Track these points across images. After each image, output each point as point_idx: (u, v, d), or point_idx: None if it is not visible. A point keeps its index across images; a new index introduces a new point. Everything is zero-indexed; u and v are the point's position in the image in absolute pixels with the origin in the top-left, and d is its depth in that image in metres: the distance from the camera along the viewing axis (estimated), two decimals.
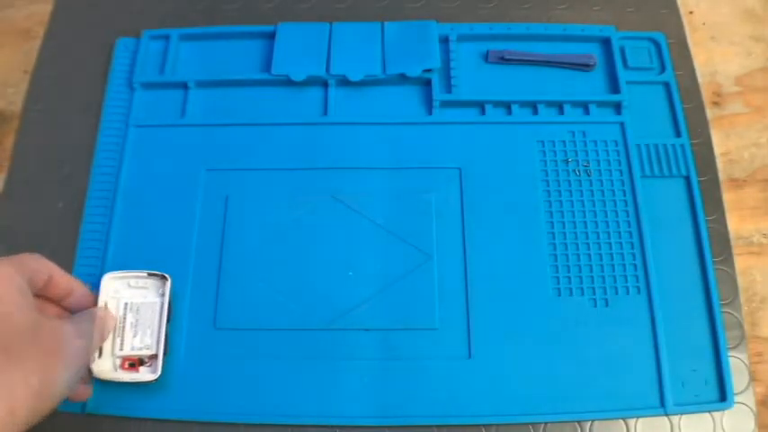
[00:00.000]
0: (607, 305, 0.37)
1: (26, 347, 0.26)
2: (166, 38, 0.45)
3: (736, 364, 0.36)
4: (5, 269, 0.28)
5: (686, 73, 0.44)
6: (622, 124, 0.42)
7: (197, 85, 0.43)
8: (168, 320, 0.35)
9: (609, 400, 0.35)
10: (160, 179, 0.40)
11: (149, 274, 0.36)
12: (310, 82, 0.43)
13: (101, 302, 0.34)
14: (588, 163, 0.41)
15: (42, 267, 0.31)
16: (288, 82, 0.43)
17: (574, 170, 0.41)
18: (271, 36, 0.44)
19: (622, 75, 0.43)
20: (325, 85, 0.43)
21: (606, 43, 0.45)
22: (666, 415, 0.35)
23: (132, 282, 0.36)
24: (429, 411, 0.35)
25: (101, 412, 0.35)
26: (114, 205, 0.40)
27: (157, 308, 0.35)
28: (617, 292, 0.38)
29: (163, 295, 0.36)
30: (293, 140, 0.41)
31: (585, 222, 0.39)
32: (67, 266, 0.38)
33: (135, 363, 0.34)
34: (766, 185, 0.42)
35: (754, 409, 0.35)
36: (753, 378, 0.36)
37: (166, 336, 0.35)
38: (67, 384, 0.28)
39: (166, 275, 0.36)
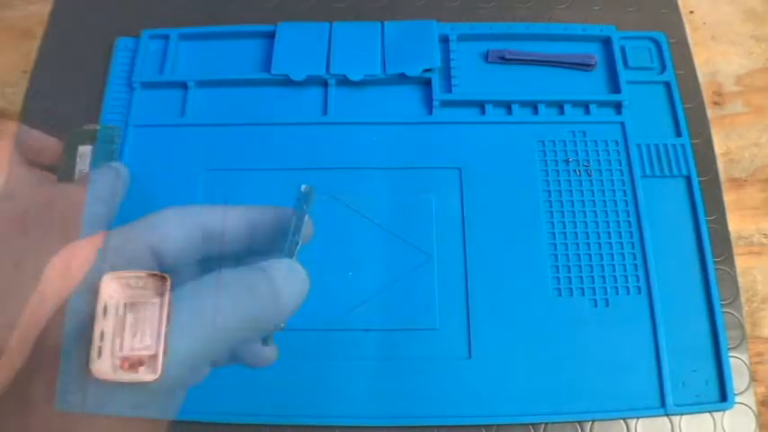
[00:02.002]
0: (607, 305, 0.37)
1: (43, 221, 0.23)
2: (166, 37, 0.44)
3: (737, 364, 0.36)
4: None
5: (687, 73, 0.44)
6: (623, 124, 0.42)
7: (197, 84, 0.43)
8: (168, 321, 0.35)
9: (609, 401, 0.35)
10: (160, 179, 0.40)
11: (149, 275, 0.36)
12: (310, 82, 0.43)
13: (100, 304, 0.34)
14: (588, 163, 0.41)
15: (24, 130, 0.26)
16: (288, 82, 0.43)
17: (574, 170, 0.41)
18: (271, 36, 0.44)
19: (623, 74, 0.43)
20: (325, 84, 0.43)
21: (606, 43, 0.45)
22: (667, 415, 0.35)
23: (132, 282, 0.36)
24: (429, 411, 0.35)
25: None
26: None
27: (157, 308, 0.35)
28: (617, 292, 0.38)
29: (162, 295, 0.35)
30: (293, 140, 0.41)
31: (586, 222, 0.39)
32: None
33: (135, 363, 0.34)
34: (767, 185, 0.42)
35: (755, 409, 0.35)
36: (753, 378, 0.36)
37: (166, 336, 0.35)
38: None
39: (166, 275, 0.36)
